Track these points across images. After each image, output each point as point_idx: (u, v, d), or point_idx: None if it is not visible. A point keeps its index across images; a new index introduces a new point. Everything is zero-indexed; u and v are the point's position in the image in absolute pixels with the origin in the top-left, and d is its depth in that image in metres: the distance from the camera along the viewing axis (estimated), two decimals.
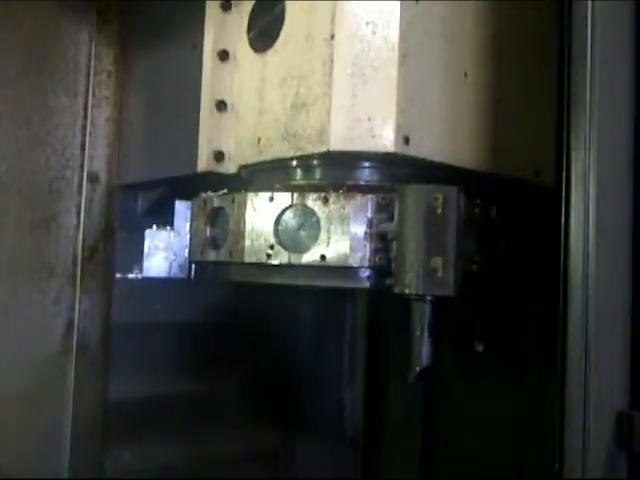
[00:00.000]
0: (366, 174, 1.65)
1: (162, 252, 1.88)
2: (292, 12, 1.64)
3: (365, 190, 1.55)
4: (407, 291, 1.42)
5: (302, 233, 1.57)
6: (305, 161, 1.66)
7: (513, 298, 1.99)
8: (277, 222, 1.59)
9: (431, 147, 1.58)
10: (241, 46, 1.81)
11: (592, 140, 1.15)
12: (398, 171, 1.63)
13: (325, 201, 1.54)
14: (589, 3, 1.24)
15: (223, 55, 1.83)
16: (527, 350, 2.11)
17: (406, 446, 2.71)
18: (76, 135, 2.15)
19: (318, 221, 1.54)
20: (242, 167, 1.81)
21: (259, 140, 1.71)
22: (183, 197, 1.89)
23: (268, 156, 1.69)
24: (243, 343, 2.44)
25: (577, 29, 1.24)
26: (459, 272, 1.40)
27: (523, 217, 1.78)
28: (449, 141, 1.63)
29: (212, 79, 1.83)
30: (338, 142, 1.53)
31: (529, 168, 1.82)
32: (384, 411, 2.80)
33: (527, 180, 1.81)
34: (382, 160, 1.59)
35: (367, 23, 1.53)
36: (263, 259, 1.59)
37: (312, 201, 1.55)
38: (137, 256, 2.15)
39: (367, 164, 1.63)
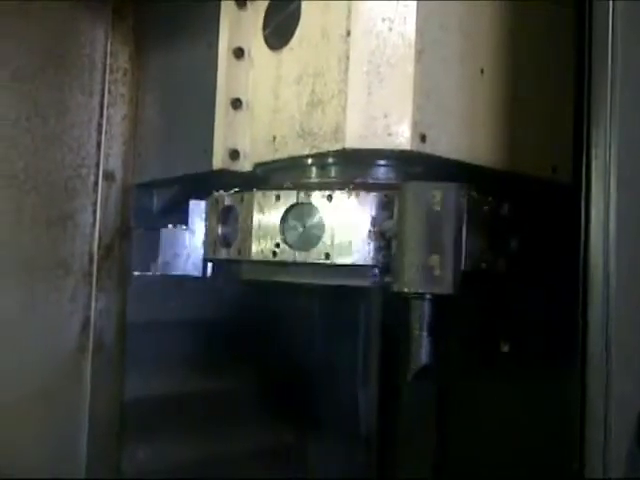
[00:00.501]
0: (381, 172, 1.64)
1: (177, 250, 1.88)
2: (308, 9, 1.64)
3: (370, 188, 1.55)
4: (405, 289, 1.42)
5: (307, 231, 1.58)
6: (320, 159, 1.65)
7: (530, 297, 1.97)
8: (283, 220, 1.60)
9: (447, 144, 1.57)
10: (256, 44, 1.80)
11: (613, 137, 1.13)
12: (413, 169, 1.63)
13: (329, 199, 1.54)
14: (610, 3, 1.22)
15: (238, 53, 1.83)
16: (545, 349, 2.09)
17: (420, 446, 2.70)
18: (92, 133, 2.16)
19: (322, 219, 1.55)
20: (257, 165, 1.81)
21: (274, 138, 1.71)
22: (199, 195, 1.89)
23: (283, 154, 1.68)
24: (257, 341, 2.44)
25: (598, 27, 1.23)
26: (458, 270, 1.39)
27: (540, 215, 1.76)
28: (465, 138, 1.61)
29: (227, 77, 1.82)
30: (354, 140, 1.52)
31: (546, 165, 1.80)
32: (398, 411, 2.79)
33: (544, 178, 1.80)
34: (398, 158, 1.59)
35: (383, 19, 1.52)
36: (269, 257, 1.61)
37: (317, 199, 1.56)
38: (153, 254, 2.16)
39: (382, 162, 1.63)
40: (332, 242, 1.53)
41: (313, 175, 1.69)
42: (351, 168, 1.63)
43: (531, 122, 1.77)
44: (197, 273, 1.89)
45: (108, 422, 2.15)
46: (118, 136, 2.20)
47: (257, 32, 1.80)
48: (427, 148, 1.53)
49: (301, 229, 1.59)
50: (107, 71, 2.18)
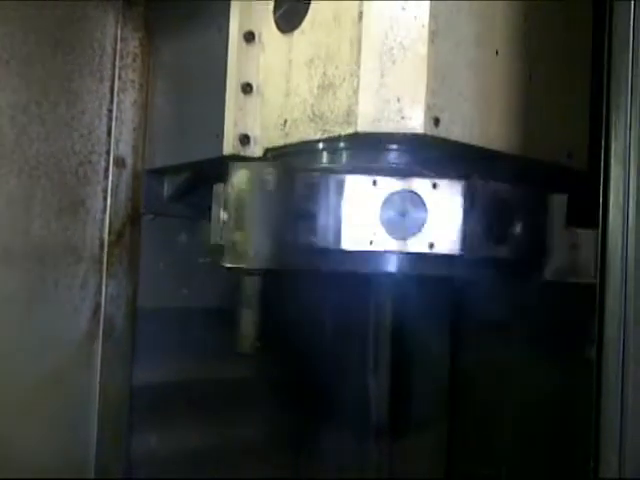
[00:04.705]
0: (394, 157, 1.61)
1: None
2: None
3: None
4: (222, 265, 1.54)
5: None
6: (332, 144, 1.63)
7: (542, 286, 1.94)
8: None
9: (461, 128, 1.54)
10: (267, 27, 1.78)
11: (633, 118, 1.10)
12: (426, 153, 1.60)
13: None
14: None
15: (249, 37, 1.81)
16: (561, 344, 2.06)
17: (432, 438, 2.68)
18: (102, 119, 2.15)
19: None
20: (268, 150, 1.79)
21: (285, 122, 1.68)
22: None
23: (294, 138, 1.66)
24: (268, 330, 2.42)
25: (618, 7, 1.19)
26: (266, 246, 1.47)
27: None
28: (480, 122, 1.58)
29: (238, 61, 1.80)
30: (366, 123, 1.49)
31: (561, 150, 1.77)
32: (410, 403, 2.77)
33: (559, 163, 1.76)
34: (411, 142, 1.56)
35: (396, 0, 1.49)
36: None
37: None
38: (164, 240, 2.16)
39: (394, 146, 1.60)
40: None
41: (324, 160, 1.66)
42: (361, 153, 1.60)
43: (546, 106, 1.73)
44: None
45: (118, 407, 2.15)
46: (128, 122, 2.18)
47: (268, 15, 1.78)
48: (441, 132, 1.50)
49: None
50: (117, 57, 2.16)
